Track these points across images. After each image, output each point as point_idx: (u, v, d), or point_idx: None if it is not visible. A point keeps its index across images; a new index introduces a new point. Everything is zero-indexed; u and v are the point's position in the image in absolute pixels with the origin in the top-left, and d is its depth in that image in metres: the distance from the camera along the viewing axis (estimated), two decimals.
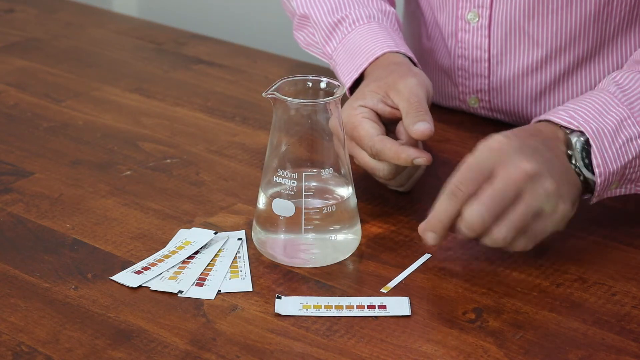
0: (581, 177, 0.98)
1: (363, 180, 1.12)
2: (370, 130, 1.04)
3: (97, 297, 0.93)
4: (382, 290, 0.94)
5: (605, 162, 0.97)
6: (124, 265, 0.97)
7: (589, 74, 1.21)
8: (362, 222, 1.02)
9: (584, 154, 0.97)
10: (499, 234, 0.93)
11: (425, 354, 0.86)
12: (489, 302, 0.93)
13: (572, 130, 0.98)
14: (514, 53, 1.22)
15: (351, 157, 1.05)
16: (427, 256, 0.99)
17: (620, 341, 0.88)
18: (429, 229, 0.95)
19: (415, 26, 1.33)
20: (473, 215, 0.92)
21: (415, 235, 1.02)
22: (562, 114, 0.99)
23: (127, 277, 0.95)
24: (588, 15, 1.17)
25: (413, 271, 0.97)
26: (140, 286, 0.94)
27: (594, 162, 0.97)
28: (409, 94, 1.05)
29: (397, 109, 1.05)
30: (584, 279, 0.96)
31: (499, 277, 0.96)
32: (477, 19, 1.21)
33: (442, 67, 1.28)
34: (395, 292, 0.94)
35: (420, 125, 1.02)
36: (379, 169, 1.05)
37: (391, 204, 1.08)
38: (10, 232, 1.03)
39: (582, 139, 0.97)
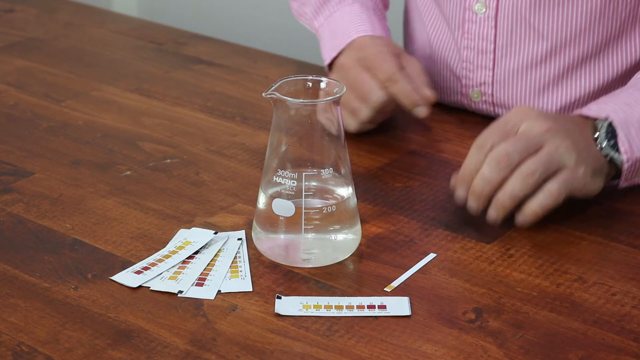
0: (607, 157, 1.04)
1: (363, 181, 1.12)
2: (394, 62, 1.17)
3: (97, 297, 0.93)
4: (385, 289, 0.94)
5: (631, 148, 1.03)
6: (124, 265, 0.97)
7: (593, 71, 1.21)
8: (362, 222, 1.02)
9: (609, 135, 1.04)
10: (513, 184, 0.99)
11: (425, 354, 0.86)
12: (489, 302, 0.93)
13: (599, 120, 1.05)
14: (519, 45, 1.22)
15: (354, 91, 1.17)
16: (432, 255, 0.99)
17: (620, 341, 0.88)
18: (460, 181, 1.02)
19: (418, 20, 1.34)
20: (500, 149, 1.00)
21: (416, 235, 1.02)
22: (592, 107, 1.07)
23: (127, 277, 0.95)
24: (594, 9, 1.17)
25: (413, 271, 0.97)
26: (140, 286, 0.94)
27: (621, 148, 1.03)
28: (417, 62, 1.21)
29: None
30: (584, 279, 0.96)
31: (499, 277, 0.96)
32: (484, 10, 1.22)
33: (446, 61, 1.29)
34: (396, 292, 0.94)
35: (427, 90, 1.18)
36: (362, 113, 1.17)
37: (391, 204, 1.08)
38: (10, 232, 1.03)
39: (607, 123, 1.04)
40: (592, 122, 1.05)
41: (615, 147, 1.04)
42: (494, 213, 1.01)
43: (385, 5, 1.36)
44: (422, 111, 1.16)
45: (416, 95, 1.16)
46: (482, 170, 1.00)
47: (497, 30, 1.22)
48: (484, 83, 1.25)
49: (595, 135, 1.04)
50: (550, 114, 1.05)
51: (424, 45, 1.32)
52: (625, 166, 1.04)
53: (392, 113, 1.22)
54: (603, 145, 1.04)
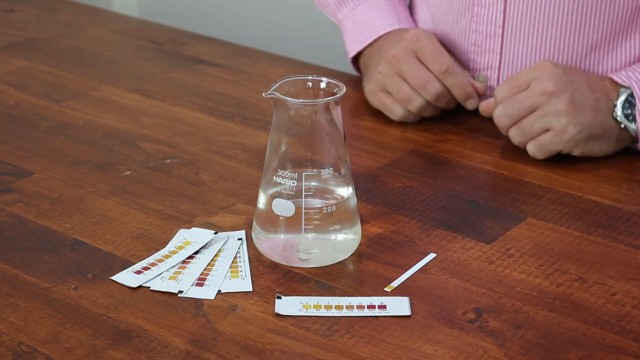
0: (622, 125, 1.14)
1: (363, 180, 1.12)
2: (450, 56, 1.23)
3: (97, 297, 0.93)
4: (385, 289, 0.94)
5: None
6: (124, 265, 0.97)
7: (604, 56, 1.21)
8: (362, 222, 1.02)
9: (626, 104, 1.13)
10: (512, 135, 1.16)
11: (425, 354, 0.86)
12: (489, 302, 0.93)
13: (624, 87, 1.12)
14: (528, 29, 1.22)
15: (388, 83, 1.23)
16: (432, 255, 0.99)
17: (620, 341, 0.88)
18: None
19: (423, 4, 1.34)
20: (496, 114, 1.16)
21: (415, 235, 1.02)
22: (622, 73, 1.15)
23: (127, 277, 0.95)
24: None
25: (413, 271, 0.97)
26: (140, 286, 0.94)
27: (638, 118, 1.11)
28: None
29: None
30: (584, 279, 0.96)
31: (498, 277, 0.96)
32: None
33: (452, 46, 1.29)
34: (395, 292, 0.94)
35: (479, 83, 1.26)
36: (415, 101, 1.23)
37: (391, 204, 1.08)
38: (10, 232, 1.03)
39: (628, 92, 1.13)
40: (616, 88, 1.13)
41: (629, 117, 1.11)
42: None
43: None
44: (473, 103, 1.24)
45: (470, 88, 1.22)
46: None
47: (506, 15, 1.22)
48: (491, 67, 1.26)
49: (615, 102, 1.12)
50: (568, 74, 1.13)
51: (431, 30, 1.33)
52: None
53: (441, 108, 1.26)
54: (618, 114, 1.12)
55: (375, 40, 1.28)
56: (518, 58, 1.24)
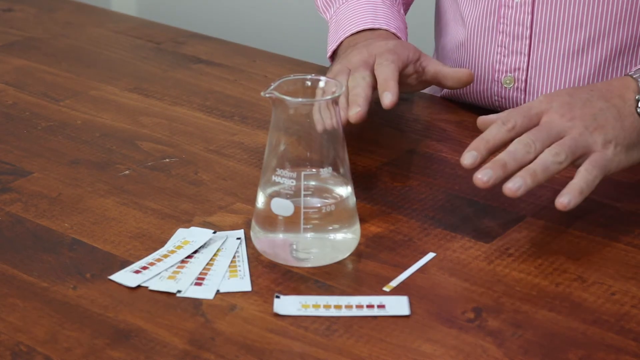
0: None
1: (362, 180, 1.12)
2: (399, 63, 1.14)
3: (95, 297, 0.93)
4: (384, 288, 0.94)
5: None
6: (123, 264, 0.97)
7: (632, 63, 1.20)
8: (361, 221, 1.02)
9: None
10: (550, 154, 0.99)
11: (424, 354, 0.86)
12: (488, 301, 0.92)
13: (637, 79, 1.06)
14: (556, 33, 1.21)
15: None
16: (431, 255, 0.99)
17: (619, 341, 0.88)
18: (472, 147, 1.00)
19: (453, 8, 1.33)
20: (524, 137, 1.00)
21: (415, 234, 1.02)
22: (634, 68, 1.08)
23: (125, 277, 0.95)
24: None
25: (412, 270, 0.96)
26: (138, 286, 0.94)
27: None
28: (437, 60, 1.20)
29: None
30: (584, 279, 0.96)
31: (498, 276, 0.96)
32: None
33: (480, 47, 1.28)
34: (395, 291, 0.94)
35: (388, 97, 1.11)
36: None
37: (390, 203, 1.08)
38: (8, 231, 1.03)
39: None
40: (636, 82, 1.06)
41: None
42: (522, 180, 0.97)
43: None
44: (387, 97, 1.09)
45: (392, 82, 1.11)
46: (509, 148, 0.99)
47: (534, 17, 1.21)
48: (519, 69, 1.24)
49: (637, 97, 1.05)
50: (576, 96, 1.05)
51: (457, 34, 1.31)
52: None
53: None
54: None
55: (347, 38, 1.24)
56: (546, 60, 1.22)
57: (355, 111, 1.07)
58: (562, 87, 1.23)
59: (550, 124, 1.01)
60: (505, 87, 1.26)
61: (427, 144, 1.21)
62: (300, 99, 0.94)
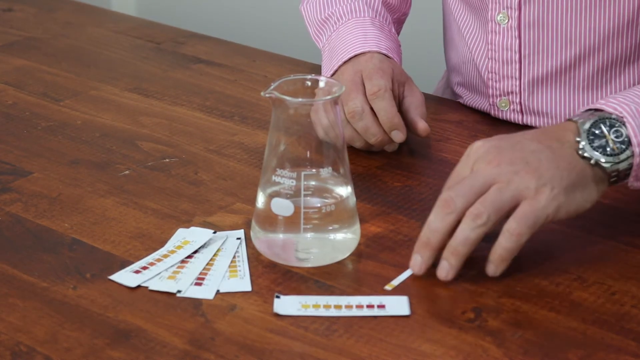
0: (592, 162, 0.95)
1: (362, 180, 1.12)
2: (390, 82, 1.13)
3: (95, 297, 0.93)
4: (385, 287, 0.94)
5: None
6: (123, 264, 0.97)
7: (624, 74, 1.19)
8: (361, 221, 1.02)
9: (591, 136, 0.95)
10: (468, 221, 0.92)
11: (424, 354, 0.86)
12: (488, 301, 0.92)
13: (585, 119, 0.97)
14: (546, 53, 1.20)
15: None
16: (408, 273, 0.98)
17: (619, 340, 0.88)
18: (415, 251, 0.95)
19: (453, 31, 1.32)
20: (442, 196, 0.93)
21: (415, 234, 1.02)
22: (601, 101, 0.98)
23: (125, 277, 0.95)
24: (623, 14, 1.15)
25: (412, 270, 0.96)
26: (138, 286, 0.94)
27: (633, 140, 0.95)
28: (419, 94, 1.17)
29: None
30: (584, 279, 0.96)
31: (497, 276, 0.96)
32: (506, 20, 1.20)
33: (477, 68, 1.27)
34: (395, 291, 0.94)
35: (424, 125, 1.15)
36: (346, 126, 1.12)
37: (390, 203, 1.08)
38: (8, 231, 1.03)
39: (589, 121, 0.96)
40: (575, 127, 0.97)
41: (600, 149, 0.95)
42: (447, 263, 0.93)
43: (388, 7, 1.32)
44: (398, 136, 1.12)
45: (397, 119, 1.11)
46: (428, 220, 0.94)
47: (522, 40, 1.20)
48: (512, 92, 1.24)
49: (577, 139, 0.96)
50: (506, 140, 0.97)
51: (462, 50, 1.30)
52: (637, 160, 0.96)
53: (371, 143, 1.14)
54: (585, 149, 0.95)
55: (344, 64, 1.20)
56: (538, 81, 1.22)
57: (399, 137, 1.13)
58: (558, 103, 1.23)
59: (475, 175, 0.93)
60: (502, 110, 1.25)
61: (427, 144, 1.21)
62: (300, 99, 0.94)
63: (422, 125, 1.15)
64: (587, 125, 0.96)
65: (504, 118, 1.26)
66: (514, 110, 1.24)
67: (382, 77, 1.13)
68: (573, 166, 0.95)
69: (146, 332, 0.88)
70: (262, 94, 0.95)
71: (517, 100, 1.23)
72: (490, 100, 1.26)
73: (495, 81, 1.24)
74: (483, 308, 0.91)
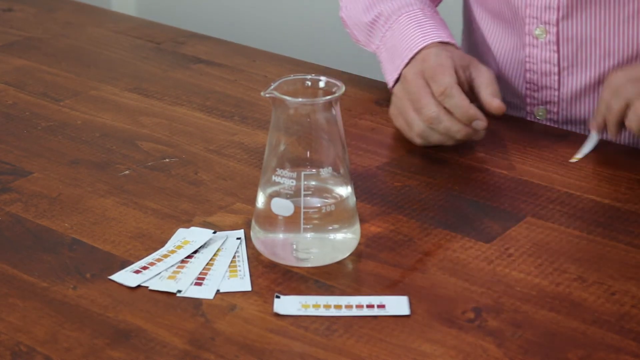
0: None
1: (362, 180, 1.12)
2: (453, 76, 1.13)
3: (95, 297, 0.93)
4: (571, 160, 1.14)
5: None
6: (123, 264, 0.97)
7: None
8: (361, 221, 1.02)
9: None
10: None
11: (424, 354, 0.86)
12: (488, 301, 0.92)
13: None
14: (585, 64, 1.21)
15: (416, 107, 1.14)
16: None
17: (619, 340, 0.88)
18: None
19: (477, 39, 1.32)
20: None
21: (415, 234, 1.02)
22: None
23: (125, 277, 0.95)
24: None
25: (412, 271, 0.96)
26: (138, 286, 0.94)
27: None
28: (481, 72, 1.16)
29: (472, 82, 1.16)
30: (583, 279, 0.96)
31: (498, 276, 0.96)
32: (544, 35, 1.20)
33: (510, 79, 1.27)
34: (395, 291, 0.94)
35: (498, 101, 1.14)
36: (437, 117, 1.12)
37: (390, 203, 1.08)
38: (8, 231, 1.03)
39: None
40: None
41: None
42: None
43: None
44: (479, 125, 1.12)
45: (473, 110, 1.11)
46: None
47: (560, 54, 1.21)
48: (550, 102, 1.24)
49: None
50: None
51: (487, 62, 1.30)
52: None
53: (452, 138, 1.15)
54: None
55: (410, 60, 1.19)
56: (577, 92, 1.22)
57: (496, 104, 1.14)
58: (594, 112, 1.22)
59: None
60: (539, 119, 1.26)
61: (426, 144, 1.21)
62: (300, 99, 0.94)
63: (496, 104, 1.14)
64: None
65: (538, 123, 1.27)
66: (550, 119, 1.25)
67: (443, 74, 1.13)
68: None
69: (146, 332, 0.88)
70: (262, 94, 0.95)
71: (555, 109, 1.24)
72: (528, 108, 1.26)
73: (534, 91, 1.25)
74: (483, 308, 0.91)
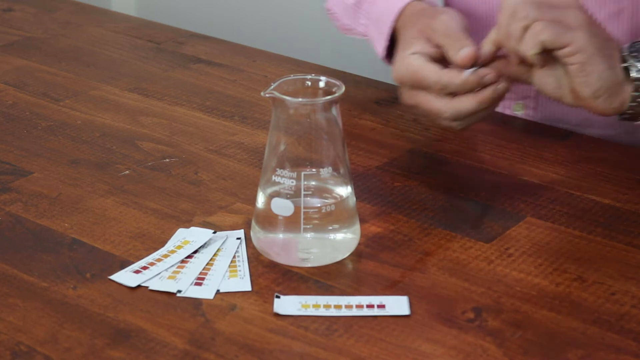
0: (627, 64, 1.01)
1: (362, 180, 1.12)
2: (432, 68, 1.05)
3: (95, 297, 0.93)
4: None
5: None
6: (123, 264, 0.97)
7: None
8: (361, 221, 1.02)
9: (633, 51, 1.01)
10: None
11: (424, 354, 0.86)
12: (488, 301, 0.92)
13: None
14: None
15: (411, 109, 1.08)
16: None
17: (619, 340, 0.88)
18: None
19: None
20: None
21: (415, 234, 1.02)
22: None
23: (125, 277, 0.95)
24: (637, 26, 1.16)
25: (412, 271, 0.96)
26: (138, 286, 0.94)
27: None
28: (445, 29, 1.06)
29: (441, 48, 1.07)
30: (583, 278, 0.96)
31: (498, 276, 0.96)
32: None
33: None
34: (395, 291, 0.94)
35: (463, 50, 1.04)
36: (445, 110, 1.05)
37: (390, 203, 1.08)
38: (8, 231, 1.03)
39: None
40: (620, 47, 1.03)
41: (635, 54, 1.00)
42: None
43: None
44: (489, 77, 1.05)
45: (472, 77, 1.04)
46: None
47: None
48: (527, 97, 1.24)
49: (623, 54, 1.01)
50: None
51: None
52: None
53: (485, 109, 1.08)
54: (625, 54, 1.01)
55: (395, 22, 1.15)
56: None
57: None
58: (574, 110, 1.21)
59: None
60: (517, 114, 1.25)
61: (427, 144, 1.21)
62: (300, 99, 0.94)
63: (460, 59, 1.05)
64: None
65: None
66: (528, 114, 1.25)
67: (424, 70, 1.06)
68: (612, 47, 1.00)
69: (146, 332, 0.88)
70: (262, 94, 0.95)
71: (532, 105, 1.24)
72: (506, 103, 1.25)
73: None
74: (483, 308, 0.91)
